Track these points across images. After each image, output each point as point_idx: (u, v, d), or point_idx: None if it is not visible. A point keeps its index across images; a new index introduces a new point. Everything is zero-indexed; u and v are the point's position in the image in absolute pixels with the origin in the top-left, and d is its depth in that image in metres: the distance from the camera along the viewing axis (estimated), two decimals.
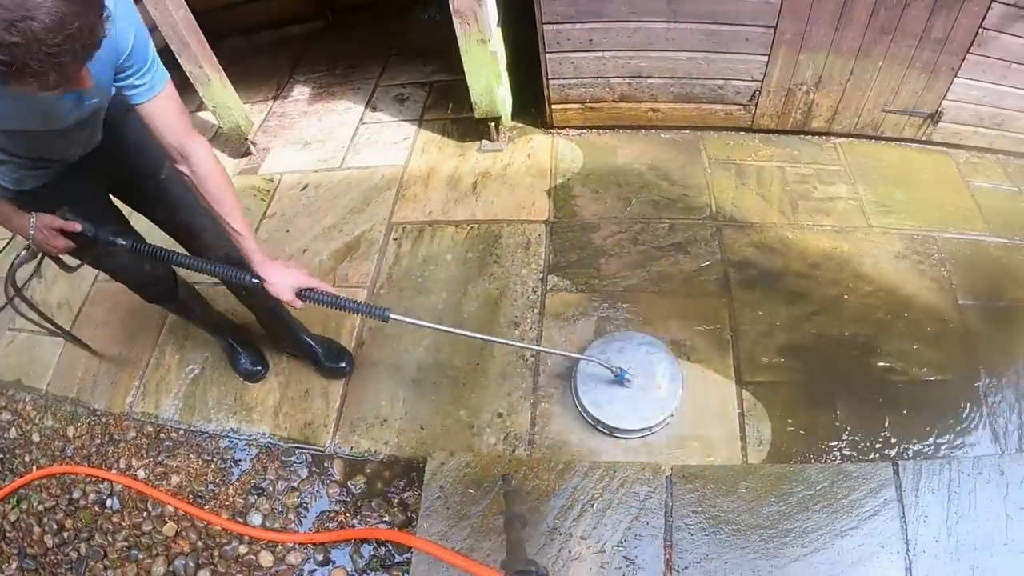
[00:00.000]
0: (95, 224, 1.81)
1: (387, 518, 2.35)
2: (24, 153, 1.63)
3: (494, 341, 2.55)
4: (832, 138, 3.37)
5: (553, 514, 2.11)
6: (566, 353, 2.50)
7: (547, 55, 3.17)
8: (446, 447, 2.39)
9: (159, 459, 2.63)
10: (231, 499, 2.50)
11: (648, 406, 2.34)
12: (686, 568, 1.98)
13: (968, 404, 2.33)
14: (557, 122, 3.52)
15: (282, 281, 1.83)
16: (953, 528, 1.97)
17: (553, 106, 3.43)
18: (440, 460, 2.29)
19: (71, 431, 2.81)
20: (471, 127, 3.57)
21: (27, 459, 2.78)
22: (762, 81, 3.12)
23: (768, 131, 3.40)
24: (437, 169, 3.48)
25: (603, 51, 3.11)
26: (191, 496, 2.53)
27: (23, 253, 1.83)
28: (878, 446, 2.24)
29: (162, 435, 2.69)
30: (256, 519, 2.42)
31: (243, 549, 2.37)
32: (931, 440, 2.25)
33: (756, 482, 2.11)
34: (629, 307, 2.70)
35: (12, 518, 2.61)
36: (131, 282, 2.23)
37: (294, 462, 2.53)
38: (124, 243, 1.84)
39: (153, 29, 2.94)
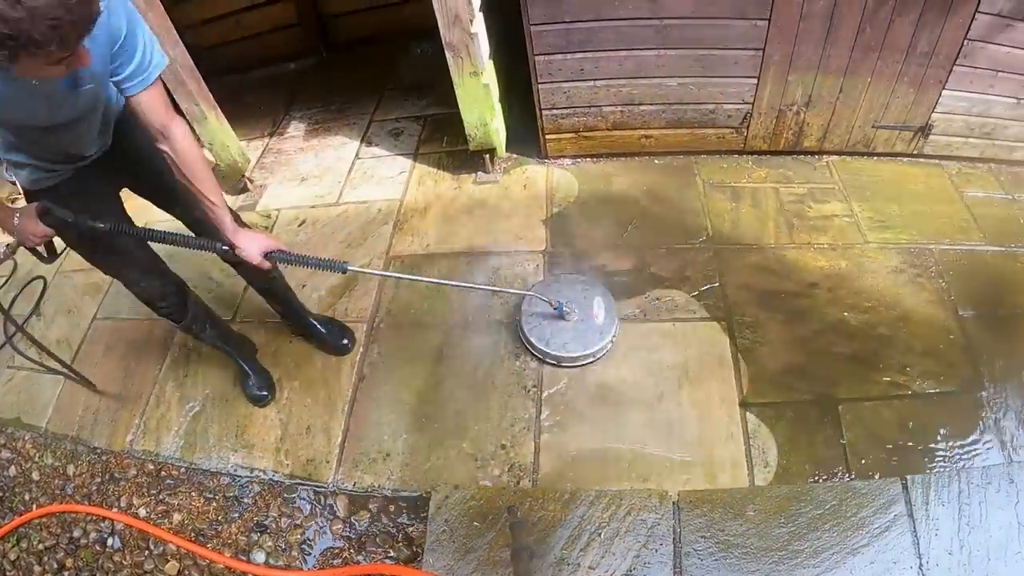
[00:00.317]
0: (87, 215, 1.91)
1: (392, 553, 2.31)
2: (42, 154, 1.80)
3: (453, 285, 2.88)
4: (825, 156, 3.40)
5: (560, 544, 2.08)
6: (512, 291, 2.81)
7: (540, 86, 3.20)
8: (450, 480, 2.36)
9: (160, 497, 2.61)
10: (234, 537, 2.46)
11: (589, 334, 2.60)
12: None
13: (974, 414, 2.32)
14: (552, 152, 3.55)
15: (250, 246, 2.00)
16: (965, 539, 1.96)
17: (547, 136, 3.46)
18: (444, 493, 2.26)
19: (71, 469, 2.78)
20: (466, 159, 3.60)
21: (27, 497, 2.75)
22: (753, 103, 3.16)
23: (761, 152, 3.43)
24: (434, 202, 3.49)
25: (595, 80, 3.15)
26: (193, 534, 2.49)
27: (3, 250, 1.99)
28: (886, 461, 2.22)
29: (163, 473, 2.67)
30: (259, 557, 2.39)
31: None
32: (939, 453, 2.23)
33: (764, 504, 2.09)
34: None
35: (12, 557, 2.58)
36: (142, 295, 2.33)
37: (297, 499, 2.50)
38: (104, 226, 1.91)
39: None
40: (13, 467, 2.87)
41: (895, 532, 1.98)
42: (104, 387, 2.95)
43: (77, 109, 1.69)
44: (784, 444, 2.30)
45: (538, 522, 2.13)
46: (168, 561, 2.44)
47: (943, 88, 2.98)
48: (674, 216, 3.16)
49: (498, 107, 3.36)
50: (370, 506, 2.43)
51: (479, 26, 2.93)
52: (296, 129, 4.36)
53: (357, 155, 3.98)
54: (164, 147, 1.82)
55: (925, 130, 3.16)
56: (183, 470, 2.66)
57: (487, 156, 3.49)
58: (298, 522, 2.45)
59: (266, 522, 2.47)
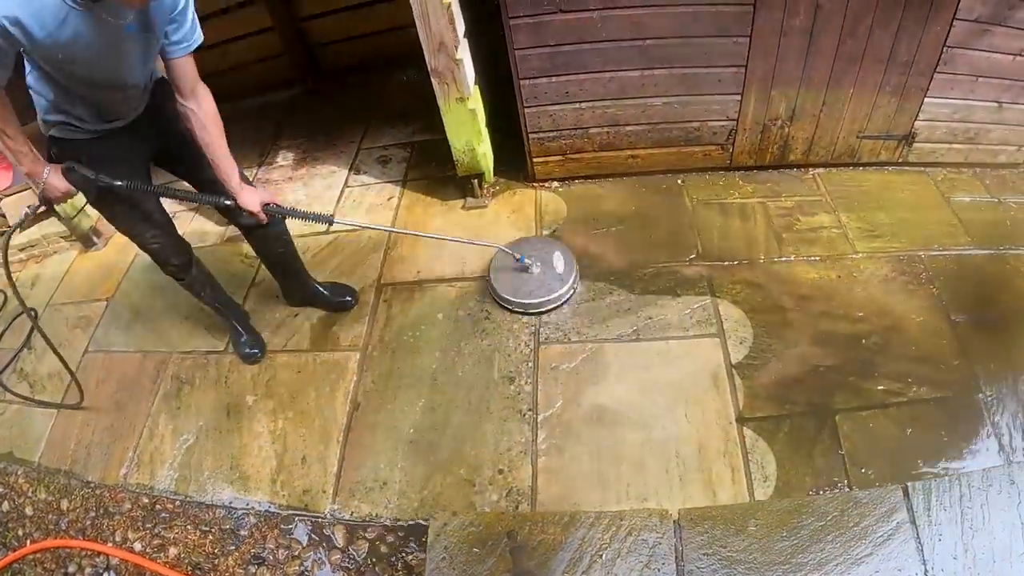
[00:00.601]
0: (110, 174, 2.17)
1: None
2: (91, 118, 2.08)
3: (425, 236, 3.26)
4: (811, 169, 3.43)
5: (562, 568, 2.06)
6: (479, 243, 3.08)
7: (525, 109, 3.23)
8: (448, 507, 2.34)
9: (156, 531, 2.57)
10: (231, 570, 2.43)
11: (551, 282, 2.91)
12: None
13: (971, 417, 2.32)
14: (539, 175, 3.57)
15: (251, 199, 2.33)
16: (969, 543, 1.95)
17: (534, 159, 3.48)
18: (443, 520, 2.24)
19: (65, 504, 2.75)
20: (454, 185, 3.61)
21: (20, 533, 2.72)
22: (737, 120, 3.19)
23: (747, 168, 3.45)
24: (423, 228, 3.50)
25: (580, 102, 3.18)
26: (190, 568, 2.46)
27: (26, 211, 2.29)
28: (885, 469, 2.21)
29: (158, 506, 2.64)
30: None
31: None
32: (937, 457, 2.22)
33: (765, 518, 2.07)
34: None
35: None
36: (158, 253, 2.56)
37: (294, 530, 2.47)
38: (121, 183, 2.17)
39: None
40: (6, 502, 2.84)
41: (898, 540, 1.97)
42: (96, 420, 2.93)
43: (134, 57, 1.94)
44: (783, 457, 2.29)
45: (538, 546, 2.11)
46: None
47: (925, 96, 3.03)
48: (663, 234, 3.17)
49: (485, 132, 3.38)
50: (368, 535, 2.40)
51: (464, 52, 2.96)
52: (284, 159, 4.37)
53: (346, 183, 3.99)
54: (191, 104, 2.12)
55: (909, 138, 3.19)
56: (178, 503, 2.63)
57: (475, 181, 3.50)
58: (296, 553, 2.42)
59: (263, 554, 2.43)
